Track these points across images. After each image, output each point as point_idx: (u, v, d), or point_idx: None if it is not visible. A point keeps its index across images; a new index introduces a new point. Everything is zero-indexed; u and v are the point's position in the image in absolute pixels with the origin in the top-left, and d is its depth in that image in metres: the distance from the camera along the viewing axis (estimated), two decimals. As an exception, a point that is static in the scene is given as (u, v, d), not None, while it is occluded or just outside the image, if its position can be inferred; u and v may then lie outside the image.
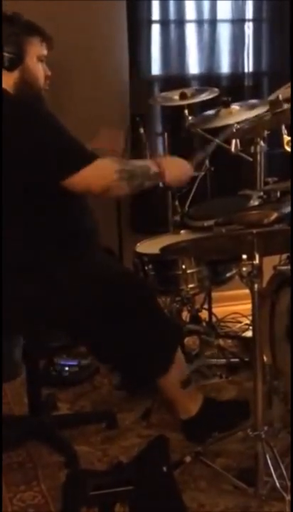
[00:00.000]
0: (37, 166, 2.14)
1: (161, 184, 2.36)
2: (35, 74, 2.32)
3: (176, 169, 2.40)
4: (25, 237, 2.22)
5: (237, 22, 3.70)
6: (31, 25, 2.30)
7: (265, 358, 2.26)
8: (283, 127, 2.58)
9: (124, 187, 2.25)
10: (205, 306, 3.28)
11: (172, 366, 2.33)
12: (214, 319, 3.34)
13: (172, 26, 3.59)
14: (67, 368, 2.99)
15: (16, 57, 2.24)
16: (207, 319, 3.27)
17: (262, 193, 2.74)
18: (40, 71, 2.33)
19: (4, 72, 2.23)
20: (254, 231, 1.91)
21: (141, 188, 2.30)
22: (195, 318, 3.14)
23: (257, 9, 3.72)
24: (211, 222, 2.65)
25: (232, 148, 2.81)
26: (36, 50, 2.31)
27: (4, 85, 2.24)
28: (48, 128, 2.18)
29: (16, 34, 2.23)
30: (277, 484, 1.99)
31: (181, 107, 3.05)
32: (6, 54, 2.21)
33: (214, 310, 3.33)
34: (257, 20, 3.74)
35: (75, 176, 2.16)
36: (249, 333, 3.20)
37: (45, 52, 2.35)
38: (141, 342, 2.28)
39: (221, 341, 3.15)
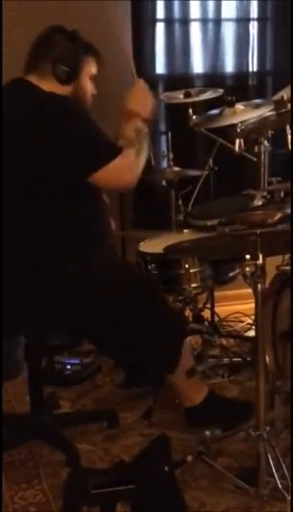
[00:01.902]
0: (65, 157, 2.15)
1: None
2: (86, 92, 2.39)
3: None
4: (26, 237, 2.22)
5: (242, 21, 3.70)
6: (89, 45, 2.38)
7: (267, 358, 2.26)
8: (287, 127, 2.58)
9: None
10: (208, 305, 3.28)
11: (178, 366, 2.33)
12: (216, 319, 3.34)
13: (176, 25, 3.59)
14: (69, 367, 2.99)
15: (72, 73, 2.31)
16: (209, 319, 3.27)
17: (265, 193, 2.74)
18: (90, 90, 2.40)
19: (59, 85, 2.29)
20: (258, 231, 1.91)
21: None
22: (198, 318, 3.13)
23: (261, 8, 3.72)
24: (214, 222, 2.66)
25: (236, 148, 2.80)
26: (90, 69, 2.38)
27: None
28: (81, 120, 2.22)
29: (75, 51, 2.31)
30: (279, 484, 1.99)
31: (185, 106, 3.04)
32: (63, 68, 2.29)
33: (216, 309, 3.32)
34: (261, 19, 3.74)
35: (104, 170, 2.18)
36: (251, 333, 3.20)
37: (96, 72, 2.41)
38: (145, 338, 2.29)
39: (223, 341, 3.15)
